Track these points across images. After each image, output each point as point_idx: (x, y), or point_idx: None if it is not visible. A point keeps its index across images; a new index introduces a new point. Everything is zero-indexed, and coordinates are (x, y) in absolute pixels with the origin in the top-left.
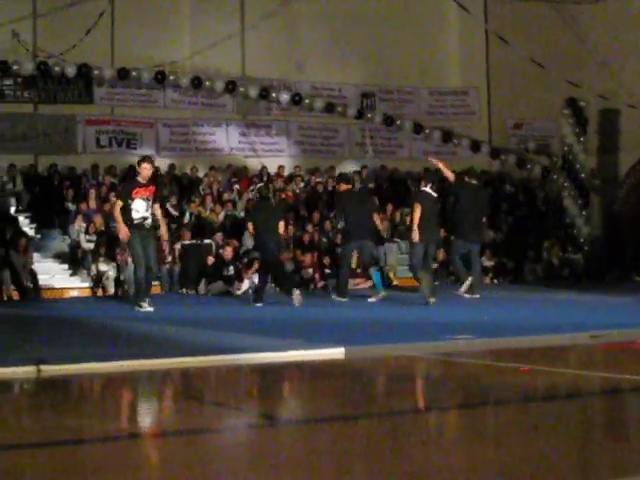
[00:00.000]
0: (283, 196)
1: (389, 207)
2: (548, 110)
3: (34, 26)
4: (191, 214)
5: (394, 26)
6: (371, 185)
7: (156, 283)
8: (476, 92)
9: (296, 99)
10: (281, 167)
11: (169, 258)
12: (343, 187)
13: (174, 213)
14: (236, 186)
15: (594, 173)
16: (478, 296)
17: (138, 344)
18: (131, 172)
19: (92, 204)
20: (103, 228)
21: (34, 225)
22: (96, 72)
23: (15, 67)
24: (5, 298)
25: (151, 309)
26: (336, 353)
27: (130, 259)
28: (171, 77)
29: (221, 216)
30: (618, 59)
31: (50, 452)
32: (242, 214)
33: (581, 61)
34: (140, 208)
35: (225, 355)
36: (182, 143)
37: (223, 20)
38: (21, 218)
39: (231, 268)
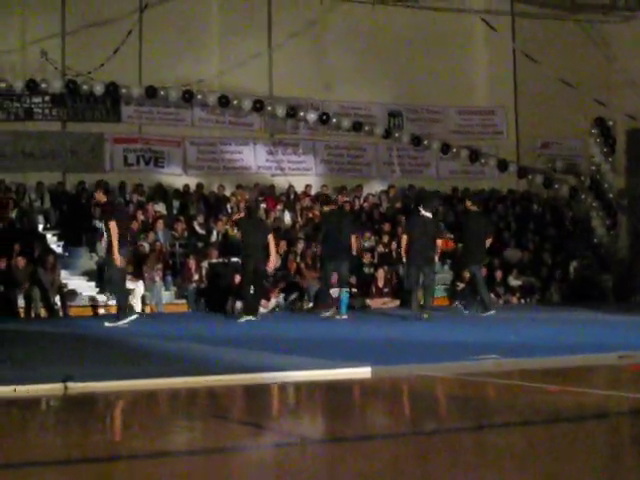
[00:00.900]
0: (310, 215)
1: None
2: (576, 129)
3: (63, 45)
4: (218, 233)
5: (422, 45)
6: (398, 205)
7: (183, 301)
8: (503, 111)
9: (323, 118)
10: (308, 186)
11: (196, 277)
12: (326, 208)
13: (201, 232)
14: (263, 205)
15: (622, 193)
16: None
17: (165, 362)
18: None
19: None
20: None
21: (62, 242)
22: (124, 90)
23: (44, 85)
24: (33, 315)
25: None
26: (363, 372)
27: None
28: (199, 96)
29: None
30: None
31: (75, 470)
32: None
33: (609, 80)
34: None
35: (251, 374)
36: (209, 162)
37: (251, 39)
38: (49, 235)
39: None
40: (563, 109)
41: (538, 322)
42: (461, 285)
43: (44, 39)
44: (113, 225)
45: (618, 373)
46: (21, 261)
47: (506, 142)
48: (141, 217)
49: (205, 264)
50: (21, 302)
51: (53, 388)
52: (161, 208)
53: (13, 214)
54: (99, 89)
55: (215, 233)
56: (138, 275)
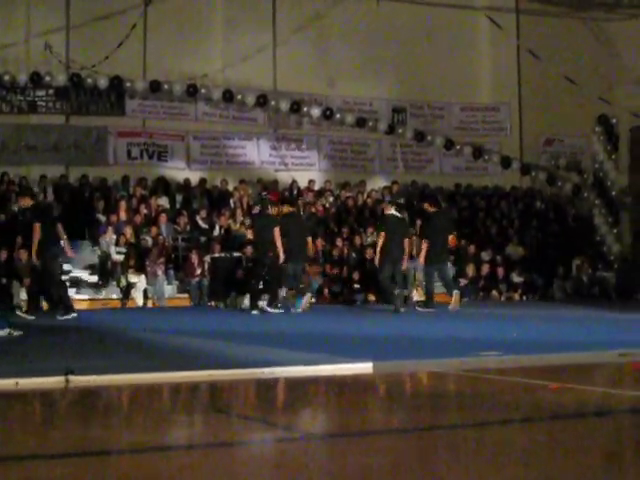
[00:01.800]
0: (313, 210)
1: (418, 223)
2: (579, 127)
3: (67, 38)
4: (221, 227)
5: (426, 41)
6: (401, 200)
7: (185, 295)
8: (507, 108)
9: (327, 113)
10: (311, 181)
11: (198, 271)
12: (286, 209)
13: (204, 226)
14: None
15: (625, 190)
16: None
17: (166, 356)
18: None
19: (122, 216)
20: (133, 240)
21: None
22: (128, 84)
23: (47, 78)
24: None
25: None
26: (364, 368)
27: (160, 271)
28: (203, 90)
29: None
30: None
31: (76, 463)
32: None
33: (613, 78)
34: None
35: (253, 369)
36: (213, 156)
37: (255, 34)
38: None
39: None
40: (567, 106)
41: (540, 319)
42: (463, 282)
43: (48, 32)
44: (37, 227)
45: (619, 371)
46: (23, 254)
47: (509, 139)
48: (144, 211)
49: (207, 258)
50: (23, 295)
51: (55, 381)
52: (164, 202)
53: (16, 207)
54: (103, 83)
55: (218, 228)
56: (140, 269)
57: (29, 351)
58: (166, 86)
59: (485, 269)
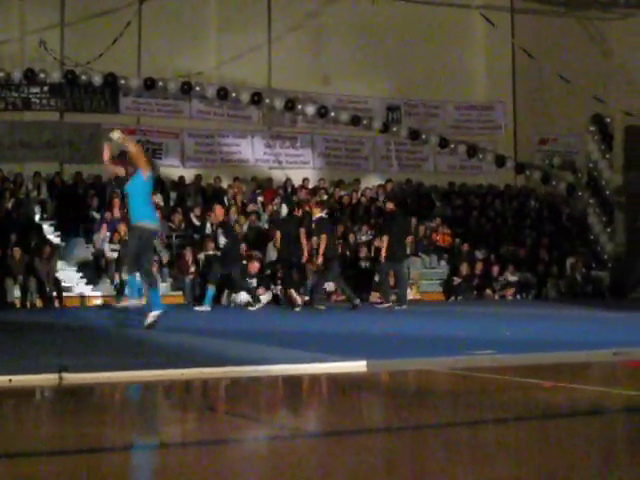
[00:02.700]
0: (307, 208)
1: (413, 221)
2: (574, 126)
3: (61, 35)
4: (214, 224)
5: (421, 40)
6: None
7: (179, 293)
8: (502, 107)
9: (321, 111)
10: (305, 179)
11: (192, 269)
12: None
13: (197, 223)
14: (260, 198)
15: (619, 190)
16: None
17: (159, 354)
18: None
19: (117, 213)
20: (127, 237)
21: (58, 233)
22: (122, 82)
23: (42, 75)
24: (29, 306)
25: None
26: (358, 366)
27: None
28: (197, 88)
29: (245, 227)
30: None
31: (69, 460)
32: (266, 225)
33: (607, 77)
34: None
35: (246, 366)
36: (207, 154)
37: (250, 31)
38: (45, 226)
39: (254, 279)
40: (561, 105)
41: (534, 318)
42: (457, 280)
43: (43, 29)
44: None
45: (613, 370)
46: (17, 251)
47: (504, 138)
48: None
49: (201, 256)
50: (17, 292)
51: (48, 378)
52: (158, 199)
53: (9, 204)
54: (97, 80)
55: (210, 225)
56: None
57: (23, 348)
58: (160, 83)
59: (479, 267)
